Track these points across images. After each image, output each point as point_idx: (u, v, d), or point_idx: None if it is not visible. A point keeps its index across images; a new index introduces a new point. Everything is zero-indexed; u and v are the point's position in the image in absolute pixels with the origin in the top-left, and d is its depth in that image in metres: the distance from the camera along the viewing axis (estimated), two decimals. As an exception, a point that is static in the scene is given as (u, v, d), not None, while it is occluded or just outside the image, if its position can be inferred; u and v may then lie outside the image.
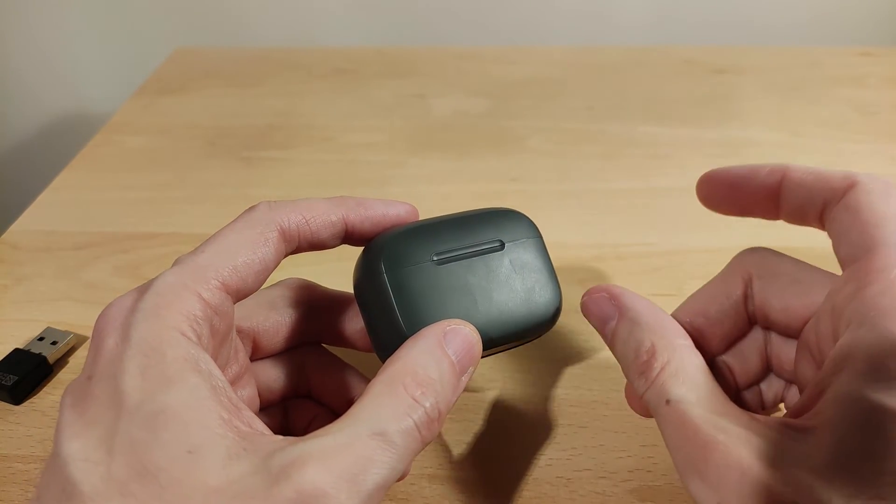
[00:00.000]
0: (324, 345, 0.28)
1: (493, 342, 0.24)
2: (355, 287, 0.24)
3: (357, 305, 0.24)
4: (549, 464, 0.29)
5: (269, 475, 0.17)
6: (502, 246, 0.25)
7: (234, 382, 0.24)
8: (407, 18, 0.73)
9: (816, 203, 0.22)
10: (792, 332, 0.24)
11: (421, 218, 0.26)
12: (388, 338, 0.23)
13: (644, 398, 0.21)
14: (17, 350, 0.34)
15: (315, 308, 0.27)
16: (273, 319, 0.26)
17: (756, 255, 0.25)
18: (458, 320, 0.22)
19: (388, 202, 0.25)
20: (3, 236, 0.43)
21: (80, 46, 0.78)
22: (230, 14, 0.74)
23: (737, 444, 0.18)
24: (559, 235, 0.41)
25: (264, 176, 0.47)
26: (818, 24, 0.69)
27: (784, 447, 0.18)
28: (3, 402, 0.32)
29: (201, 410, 0.18)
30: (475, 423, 0.30)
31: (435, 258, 0.24)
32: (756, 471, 0.18)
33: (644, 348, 0.21)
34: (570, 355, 0.33)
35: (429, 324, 0.22)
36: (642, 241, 0.40)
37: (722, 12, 0.70)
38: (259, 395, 0.26)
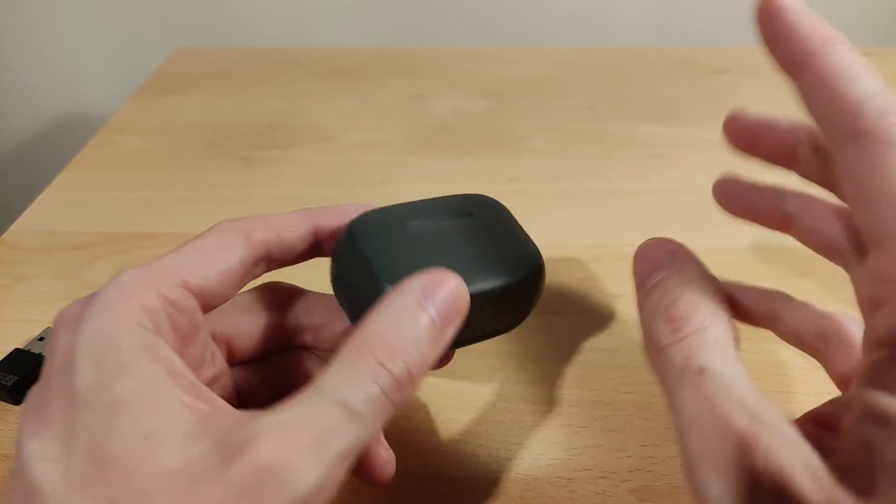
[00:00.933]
0: (314, 350, 0.27)
1: (484, 296, 0.23)
2: (332, 271, 0.24)
3: (339, 301, 0.24)
4: (549, 464, 0.29)
5: (226, 453, 0.17)
6: (472, 216, 0.25)
7: (208, 385, 0.24)
8: (407, 18, 0.73)
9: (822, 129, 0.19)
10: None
11: None
12: (367, 299, 0.22)
13: (665, 354, 0.18)
14: (17, 350, 0.34)
15: (295, 311, 0.26)
16: (247, 322, 0.25)
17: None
18: (439, 269, 0.21)
19: (355, 205, 0.25)
20: (3, 236, 0.43)
21: (80, 46, 0.78)
22: (230, 14, 0.74)
23: (779, 445, 0.16)
24: (559, 235, 0.41)
25: (264, 176, 0.47)
26: (818, 23, 0.69)
27: (823, 466, 0.16)
28: (3, 402, 0.32)
29: (158, 396, 0.18)
30: (475, 422, 0.30)
31: (408, 225, 0.24)
32: (799, 481, 0.15)
33: (687, 301, 0.19)
34: (569, 355, 0.33)
35: (409, 273, 0.21)
36: (642, 240, 0.40)
37: (722, 12, 0.70)
38: (239, 401, 0.25)
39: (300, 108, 0.55)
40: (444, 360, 0.26)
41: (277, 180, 0.47)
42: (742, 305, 0.22)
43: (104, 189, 0.47)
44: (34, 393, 0.19)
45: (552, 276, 0.38)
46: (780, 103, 0.54)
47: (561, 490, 0.28)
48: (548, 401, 0.31)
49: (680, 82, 0.57)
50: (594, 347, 0.34)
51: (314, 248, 0.25)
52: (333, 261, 0.24)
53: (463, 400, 0.31)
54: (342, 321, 0.26)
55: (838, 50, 0.20)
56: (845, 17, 0.68)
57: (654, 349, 0.19)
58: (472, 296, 0.21)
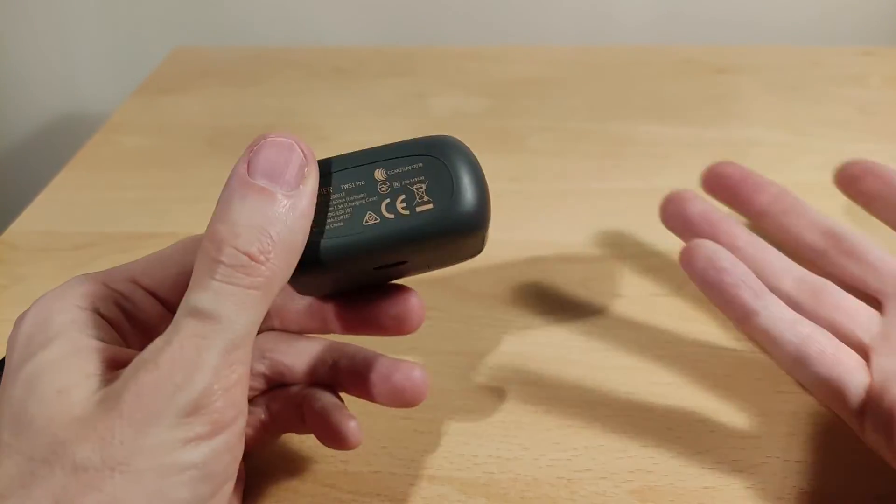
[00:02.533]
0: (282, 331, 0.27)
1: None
2: None
3: None
4: (549, 464, 0.29)
5: (116, 394, 0.18)
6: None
7: None
8: (407, 18, 0.73)
9: None
10: None
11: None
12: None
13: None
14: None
15: None
16: (165, 275, 0.24)
17: None
18: (274, 132, 0.21)
19: None
20: (2, 236, 0.42)
21: (79, 46, 0.77)
22: (230, 14, 0.74)
23: None
24: (559, 235, 0.40)
25: (264, 176, 0.47)
26: (819, 23, 0.69)
27: None
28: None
29: (76, 358, 0.20)
30: (474, 422, 0.30)
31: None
32: None
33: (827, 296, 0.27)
34: (569, 355, 0.33)
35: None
36: (642, 241, 0.40)
37: (722, 12, 0.70)
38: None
39: (300, 107, 0.55)
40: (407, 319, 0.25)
41: (277, 180, 0.47)
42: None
43: (103, 189, 0.47)
44: None
45: (552, 275, 0.38)
46: (780, 102, 0.54)
47: (561, 490, 0.28)
48: (548, 401, 0.31)
49: (680, 82, 0.57)
50: (594, 347, 0.34)
51: None
52: None
53: (463, 400, 0.31)
54: (301, 298, 0.26)
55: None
56: (846, 16, 0.68)
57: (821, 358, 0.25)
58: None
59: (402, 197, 0.22)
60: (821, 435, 0.29)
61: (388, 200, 0.22)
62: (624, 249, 0.40)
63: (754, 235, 0.30)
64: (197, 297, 0.19)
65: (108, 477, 0.18)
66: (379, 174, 0.22)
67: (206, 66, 0.62)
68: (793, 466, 0.28)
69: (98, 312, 0.21)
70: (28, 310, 0.21)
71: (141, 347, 0.20)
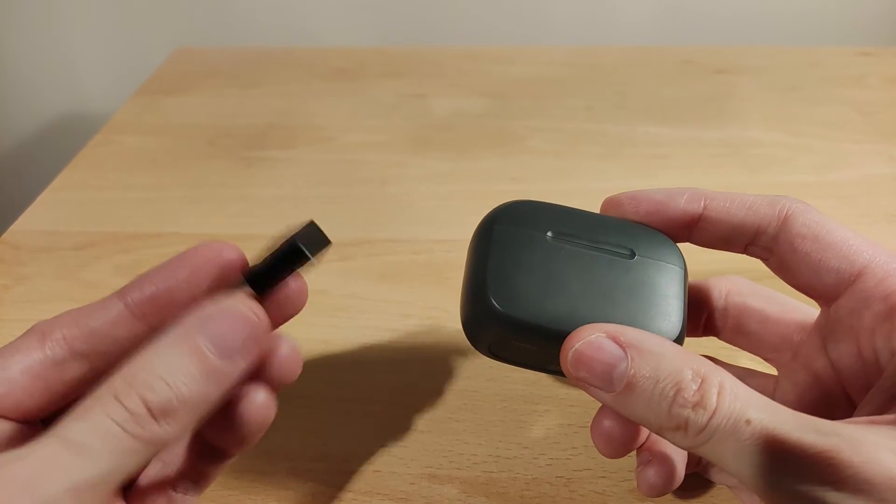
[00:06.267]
0: None
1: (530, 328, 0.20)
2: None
3: None
4: (549, 463, 0.29)
5: None
6: (633, 255, 0.22)
7: None
8: (407, 18, 0.73)
9: (746, 232, 0.23)
10: (763, 346, 0.25)
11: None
12: (471, 297, 0.21)
13: (703, 433, 0.18)
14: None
15: None
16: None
17: (733, 277, 0.26)
18: (238, 296, 0.20)
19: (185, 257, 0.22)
20: (3, 236, 0.43)
21: (80, 46, 0.78)
22: (230, 14, 0.75)
23: (870, 447, 0.17)
24: (559, 235, 0.41)
25: (264, 176, 0.47)
26: (818, 24, 0.69)
27: None
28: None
29: None
30: (474, 422, 0.31)
31: (550, 234, 0.22)
32: None
33: (687, 377, 0.19)
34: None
35: (520, 297, 0.20)
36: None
37: (722, 12, 0.70)
38: None
39: (300, 108, 0.55)
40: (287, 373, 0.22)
41: (277, 180, 0.47)
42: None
43: (104, 189, 0.47)
44: None
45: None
46: (779, 102, 0.54)
47: (561, 490, 0.28)
48: (548, 401, 0.31)
49: (679, 82, 0.57)
50: (594, 347, 0.34)
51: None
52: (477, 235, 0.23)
53: (462, 399, 0.31)
54: None
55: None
56: (846, 17, 0.69)
57: (689, 432, 0.19)
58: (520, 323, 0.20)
59: None
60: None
61: None
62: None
63: None
64: (75, 426, 0.18)
65: None
66: None
67: (208, 66, 0.62)
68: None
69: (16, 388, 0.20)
70: None
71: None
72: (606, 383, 0.19)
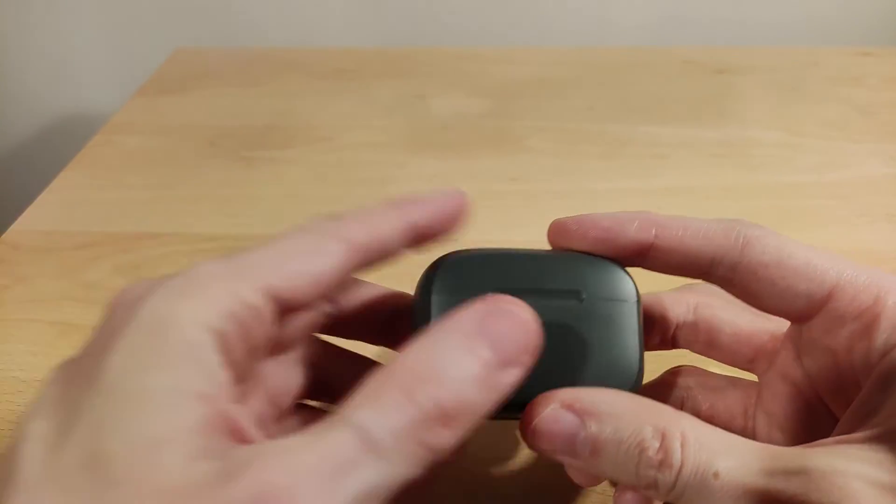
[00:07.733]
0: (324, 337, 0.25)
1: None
2: (412, 311, 0.22)
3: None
4: (549, 463, 0.29)
5: (225, 475, 0.14)
6: (581, 299, 0.21)
7: (243, 395, 0.21)
8: (407, 18, 0.73)
9: (701, 262, 0.22)
10: (738, 358, 0.25)
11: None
12: None
13: (674, 491, 0.18)
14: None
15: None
16: (311, 292, 0.20)
17: (701, 287, 0.25)
18: (505, 297, 0.18)
19: (444, 194, 0.23)
20: (3, 236, 0.43)
21: (80, 46, 0.78)
22: (230, 14, 0.75)
23: (838, 479, 0.17)
24: (559, 235, 0.41)
25: (264, 176, 0.47)
26: (818, 24, 0.69)
27: (883, 460, 0.17)
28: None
29: (182, 403, 0.15)
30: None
31: (493, 284, 0.21)
32: (886, 486, 0.17)
33: (648, 435, 0.18)
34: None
35: None
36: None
37: (722, 12, 0.70)
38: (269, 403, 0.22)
39: (300, 108, 0.55)
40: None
41: (277, 180, 0.47)
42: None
43: (104, 189, 0.47)
44: (66, 365, 0.17)
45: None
46: (779, 102, 0.54)
47: (561, 490, 0.28)
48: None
49: (679, 83, 0.57)
50: (594, 347, 0.34)
51: (408, 243, 0.22)
52: (413, 296, 0.22)
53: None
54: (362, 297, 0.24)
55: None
56: (845, 17, 0.69)
57: (660, 491, 0.18)
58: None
59: None
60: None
61: None
62: (623, 249, 0.40)
63: None
64: (372, 419, 0.15)
65: None
66: None
67: (208, 66, 0.62)
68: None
69: (220, 337, 0.17)
70: (145, 302, 0.17)
71: (233, 363, 0.17)
72: (571, 453, 0.19)
